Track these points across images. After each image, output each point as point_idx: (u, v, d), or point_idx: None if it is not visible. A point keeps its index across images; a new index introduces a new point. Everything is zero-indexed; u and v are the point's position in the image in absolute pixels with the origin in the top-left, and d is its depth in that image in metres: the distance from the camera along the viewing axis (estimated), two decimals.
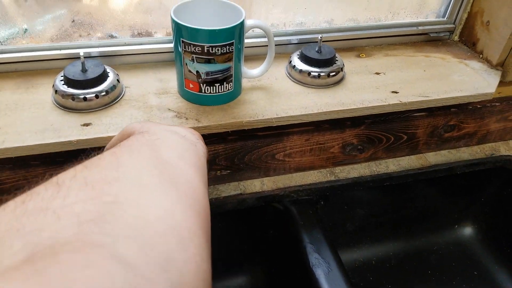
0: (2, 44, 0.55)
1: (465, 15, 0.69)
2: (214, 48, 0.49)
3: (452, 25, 0.70)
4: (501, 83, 0.67)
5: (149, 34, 0.60)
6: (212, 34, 0.48)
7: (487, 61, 0.67)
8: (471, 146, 0.75)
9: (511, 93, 0.69)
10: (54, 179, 0.23)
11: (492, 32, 0.65)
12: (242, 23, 0.50)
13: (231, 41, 0.50)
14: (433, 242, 0.83)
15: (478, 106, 0.68)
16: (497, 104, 0.69)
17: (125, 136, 0.36)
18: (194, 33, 0.48)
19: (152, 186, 0.24)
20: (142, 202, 0.22)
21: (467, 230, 0.84)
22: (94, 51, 0.57)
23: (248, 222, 0.68)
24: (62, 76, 0.51)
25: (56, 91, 0.51)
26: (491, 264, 0.80)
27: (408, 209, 0.79)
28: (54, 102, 0.52)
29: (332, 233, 0.76)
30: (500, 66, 0.65)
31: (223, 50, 0.50)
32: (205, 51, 0.49)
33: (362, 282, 0.77)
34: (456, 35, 0.71)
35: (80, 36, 0.59)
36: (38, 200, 0.21)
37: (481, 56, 0.68)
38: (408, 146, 0.70)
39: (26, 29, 0.54)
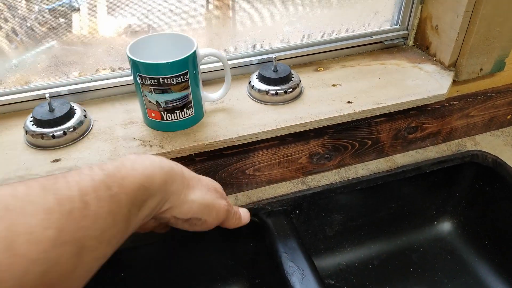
0: None
1: (416, 21, 0.72)
2: (169, 79, 0.52)
3: (405, 32, 0.73)
4: (456, 82, 0.69)
5: None
6: (165, 67, 0.51)
7: (440, 63, 0.70)
8: (437, 145, 0.77)
9: (469, 90, 0.72)
10: None
11: (441, 35, 0.68)
12: (194, 53, 0.54)
13: (185, 71, 0.53)
14: (414, 240, 0.85)
15: (437, 106, 0.70)
16: (455, 102, 0.72)
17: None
18: (149, 67, 0.51)
19: None
20: None
21: (446, 226, 0.86)
22: (63, 89, 0.61)
23: (227, 237, 0.71)
24: (31, 117, 0.55)
25: (26, 132, 0.54)
26: (472, 257, 0.82)
27: (385, 210, 0.81)
28: (26, 142, 0.55)
29: (312, 240, 0.79)
30: (453, 66, 0.68)
31: (178, 80, 0.53)
32: (161, 82, 0.52)
33: (346, 285, 0.79)
34: (410, 40, 0.74)
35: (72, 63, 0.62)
36: None
37: (434, 58, 0.71)
38: (374, 150, 0.73)
39: None
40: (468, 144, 0.78)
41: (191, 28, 0.67)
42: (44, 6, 0.61)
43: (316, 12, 0.69)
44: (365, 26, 0.72)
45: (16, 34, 0.61)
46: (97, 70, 0.64)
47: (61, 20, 0.62)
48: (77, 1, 0.62)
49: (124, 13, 0.64)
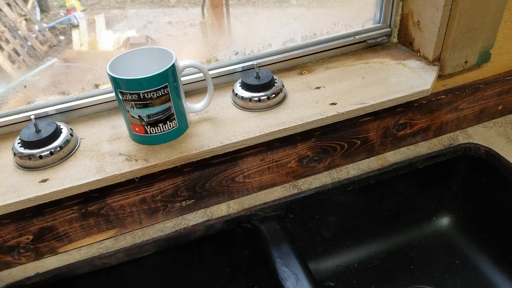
0: None
1: (398, 18, 0.72)
2: (149, 93, 0.53)
3: (388, 29, 0.73)
4: (442, 76, 0.69)
5: None
6: (144, 82, 0.52)
7: (424, 58, 0.69)
8: (429, 140, 0.77)
9: (456, 84, 0.72)
10: None
11: (423, 31, 0.68)
12: (172, 66, 0.54)
13: (165, 84, 0.54)
14: (413, 237, 0.84)
15: (424, 102, 0.70)
16: (443, 96, 0.71)
17: None
18: (128, 83, 0.52)
19: None
20: None
21: (445, 221, 0.85)
22: (51, 109, 0.62)
23: (222, 245, 0.71)
24: (19, 139, 0.56)
25: (14, 154, 0.55)
26: (472, 251, 0.81)
27: (381, 209, 0.81)
28: (15, 163, 0.56)
29: (309, 243, 0.79)
30: (437, 61, 0.68)
31: (159, 94, 0.54)
32: (141, 97, 0.53)
33: (347, 287, 0.79)
34: (394, 38, 0.74)
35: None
36: None
37: (418, 54, 0.70)
38: (364, 149, 0.73)
39: None
40: (460, 137, 0.77)
41: (189, 37, 0.68)
42: (44, 25, 0.62)
43: (308, 12, 0.69)
44: (348, 26, 0.72)
45: (18, 54, 0.62)
46: (98, 85, 0.65)
47: (61, 37, 0.63)
48: (76, 17, 0.63)
49: (122, 26, 0.65)
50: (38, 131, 0.56)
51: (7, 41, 0.61)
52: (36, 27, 0.62)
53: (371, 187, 0.74)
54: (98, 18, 0.64)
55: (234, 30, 0.70)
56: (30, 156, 0.55)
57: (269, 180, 0.70)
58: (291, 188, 0.71)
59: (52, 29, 0.62)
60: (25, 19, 0.62)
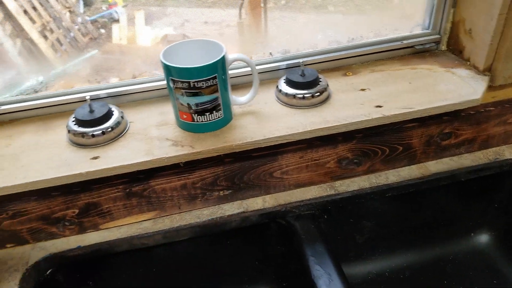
0: (24, 95, 0.64)
1: (449, 25, 0.71)
2: (199, 83, 0.55)
3: (437, 36, 0.72)
4: (492, 87, 0.67)
5: None
6: (195, 71, 0.54)
7: (474, 68, 0.68)
8: (473, 152, 0.75)
9: (506, 96, 0.70)
10: None
11: (475, 39, 0.66)
12: (222, 58, 0.56)
13: (214, 75, 0.55)
14: (449, 251, 0.82)
15: (472, 112, 0.68)
16: (492, 108, 0.69)
17: None
18: (180, 71, 0.54)
19: None
20: None
21: (484, 238, 0.82)
22: (102, 93, 0.65)
23: (255, 238, 0.72)
24: (73, 118, 0.59)
25: (69, 131, 0.59)
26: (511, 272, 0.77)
27: (418, 219, 0.79)
28: (68, 140, 0.60)
29: (341, 246, 0.78)
30: (488, 71, 0.66)
31: (208, 84, 0.56)
32: (191, 86, 0.55)
33: None
34: (443, 45, 0.73)
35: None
36: None
37: (468, 63, 0.69)
38: (405, 156, 0.72)
39: (42, 81, 0.63)
40: (507, 152, 0.75)
41: (225, 37, 0.69)
42: (87, 18, 0.66)
43: (345, 18, 0.70)
44: (396, 30, 0.71)
45: (61, 44, 0.66)
46: (135, 77, 0.68)
47: (102, 30, 0.67)
48: (117, 12, 0.66)
49: (161, 23, 0.67)
50: (91, 111, 0.60)
51: (52, 31, 0.64)
52: (79, 19, 0.66)
53: (410, 195, 0.73)
54: (138, 14, 0.67)
55: (271, 32, 0.71)
56: (83, 134, 0.58)
57: (307, 179, 0.70)
58: (328, 189, 0.71)
59: (93, 22, 0.66)
60: (69, 11, 0.66)
